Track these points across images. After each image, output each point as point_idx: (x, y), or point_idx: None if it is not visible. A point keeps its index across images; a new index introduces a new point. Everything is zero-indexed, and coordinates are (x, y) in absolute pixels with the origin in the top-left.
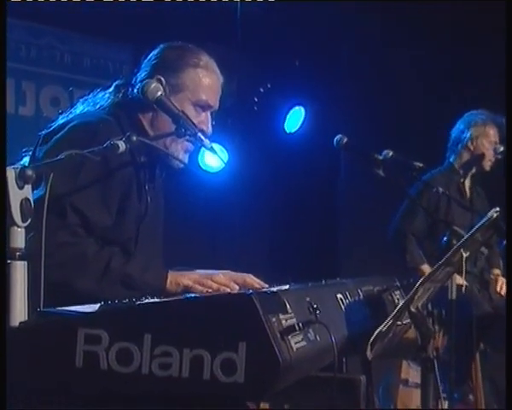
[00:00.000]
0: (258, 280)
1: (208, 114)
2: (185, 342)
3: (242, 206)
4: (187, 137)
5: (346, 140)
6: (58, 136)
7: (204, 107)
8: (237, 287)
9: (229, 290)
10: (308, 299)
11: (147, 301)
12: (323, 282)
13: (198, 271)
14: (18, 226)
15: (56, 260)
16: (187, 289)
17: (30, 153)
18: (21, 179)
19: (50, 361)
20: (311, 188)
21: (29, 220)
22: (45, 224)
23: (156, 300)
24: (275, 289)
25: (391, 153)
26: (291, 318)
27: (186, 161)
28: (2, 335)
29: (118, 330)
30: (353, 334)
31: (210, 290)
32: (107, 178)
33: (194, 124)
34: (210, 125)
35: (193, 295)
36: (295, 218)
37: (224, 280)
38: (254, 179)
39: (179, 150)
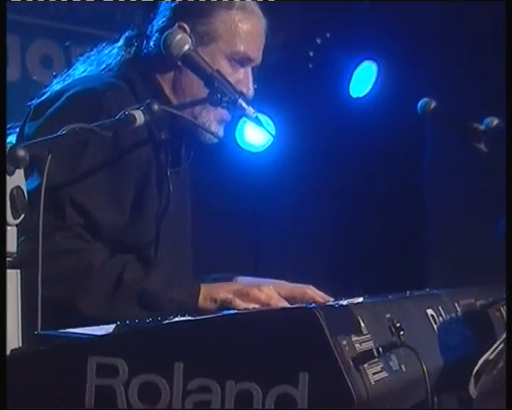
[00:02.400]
0: (321, 293)
1: (248, 70)
2: (228, 373)
3: (294, 197)
4: (223, 104)
5: (433, 105)
6: (54, 107)
7: (242, 61)
8: (293, 302)
9: (282, 306)
10: (389, 315)
11: (176, 319)
12: (408, 293)
13: (240, 278)
14: (8, 224)
15: (54, 272)
16: (226, 305)
17: (16, 130)
18: (11, 162)
19: (52, 400)
20: (385, 172)
21: (22, 216)
22: (42, 223)
23: (189, 318)
24: (344, 302)
25: (496, 121)
26: (367, 340)
27: (221, 133)
28: (2, 335)
29: (140, 359)
30: (450, 362)
31: (256, 306)
32: (119, 160)
33: (231, 85)
34: (251, 86)
35: (235, 311)
36: (365, 211)
37: (276, 292)
38: (311, 162)
39: (211, 120)
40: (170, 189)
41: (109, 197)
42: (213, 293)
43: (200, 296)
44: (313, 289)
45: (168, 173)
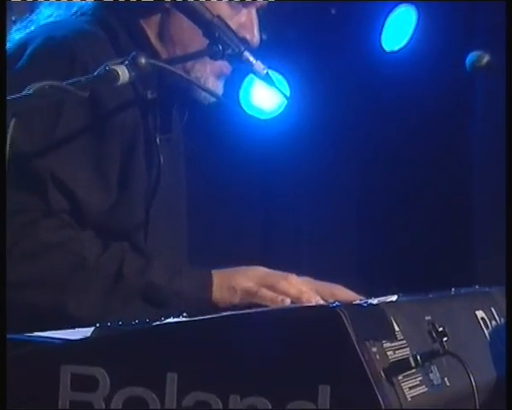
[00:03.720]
0: (352, 293)
1: (252, 11)
2: (233, 386)
3: (312, 173)
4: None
5: (486, 59)
6: (15, 66)
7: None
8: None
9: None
10: (429, 318)
11: (169, 320)
12: (453, 291)
13: (258, 268)
14: None
15: (41, 272)
16: (249, 296)
17: None
18: None
19: None
20: (424, 142)
21: None
22: (17, 207)
23: (184, 319)
24: (375, 301)
25: None
26: (402, 347)
27: (220, 90)
28: (3, 335)
29: (124, 368)
30: (504, 375)
31: (286, 299)
32: (99, 126)
33: (235, 34)
34: (256, 32)
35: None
36: (400, 190)
37: (305, 286)
38: (332, 130)
39: (207, 75)
40: (160, 160)
41: (94, 173)
42: (231, 281)
43: (215, 286)
44: (343, 289)
45: (158, 141)
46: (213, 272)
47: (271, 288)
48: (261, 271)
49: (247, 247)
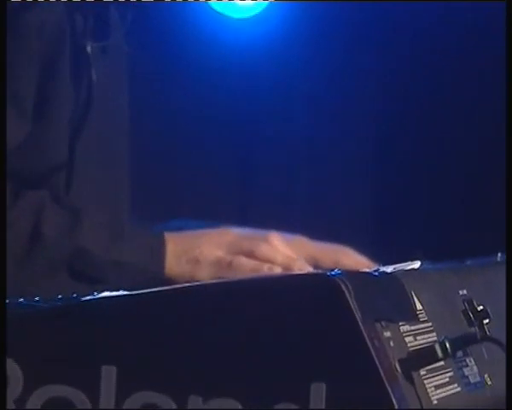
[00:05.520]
0: (362, 259)
1: None
2: (192, 385)
3: (310, 100)
4: None
5: None
6: None
7: None
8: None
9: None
10: (464, 292)
11: (105, 295)
12: (499, 257)
13: (229, 230)
14: None
15: None
16: (220, 269)
17: None
18: None
19: None
20: (460, 77)
21: None
22: None
23: (123, 293)
24: (389, 268)
25: None
26: (426, 331)
27: None
28: (2, 333)
29: (42, 361)
30: None
31: (274, 268)
32: (8, 29)
33: None
34: None
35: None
36: (426, 131)
37: (295, 250)
38: (337, 37)
39: None
40: (92, 76)
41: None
42: (192, 249)
43: (169, 256)
44: (352, 253)
45: (89, 50)
46: (168, 235)
47: (249, 255)
48: (232, 233)
49: (218, 199)
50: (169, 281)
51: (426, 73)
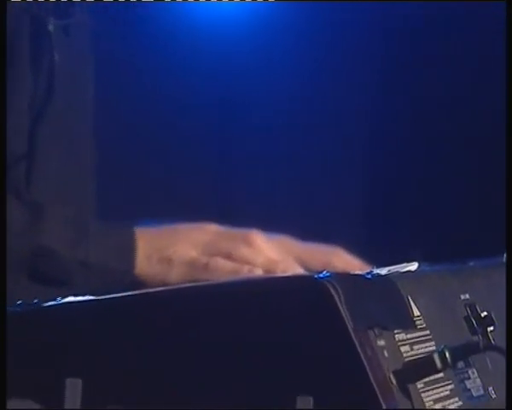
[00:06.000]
0: (354, 260)
1: None
2: (166, 400)
3: (296, 83)
4: None
5: None
6: None
7: None
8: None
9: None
10: (466, 296)
11: (69, 299)
12: (504, 258)
13: (206, 227)
14: None
15: None
16: (194, 271)
17: None
18: None
19: None
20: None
21: None
22: None
23: (90, 298)
24: (384, 270)
25: None
26: (425, 340)
27: None
28: (2, 331)
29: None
30: None
31: (255, 270)
32: None
33: None
34: None
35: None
36: (423, 127)
37: (279, 252)
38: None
39: None
40: (54, 59)
41: None
42: (165, 248)
43: (140, 254)
44: (343, 255)
45: (50, 29)
46: (138, 232)
47: (228, 256)
48: (210, 231)
49: (198, 195)
50: (140, 282)
51: (421, 68)
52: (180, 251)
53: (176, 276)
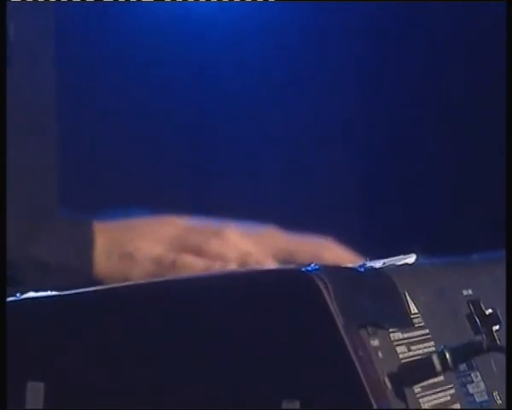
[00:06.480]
0: (345, 252)
1: None
2: (135, 403)
3: (289, 89)
4: None
5: None
6: None
7: None
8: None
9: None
10: (469, 292)
11: (29, 295)
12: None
13: (173, 220)
14: None
15: None
16: (159, 268)
17: None
18: None
19: None
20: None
21: None
22: None
23: (52, 293)
24: (379, 263)
25: None
26: (423, 339)
27: None
28: (3, 330)
29: None
30: None
31: (227, 267)
32: None
33: None
34: None
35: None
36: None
37: (254, 244)
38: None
39: None
40: (9, 33)
41: None
42: (126, 242)
43: (99, 250)
44: (334, 247)
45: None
46: (97, 226)
47: (197, 252)
48: (178, 225)
49: (172, 183)
50: (99, 281)
51: (418, 66)
52: (144, 247)
53: (139, 274)
